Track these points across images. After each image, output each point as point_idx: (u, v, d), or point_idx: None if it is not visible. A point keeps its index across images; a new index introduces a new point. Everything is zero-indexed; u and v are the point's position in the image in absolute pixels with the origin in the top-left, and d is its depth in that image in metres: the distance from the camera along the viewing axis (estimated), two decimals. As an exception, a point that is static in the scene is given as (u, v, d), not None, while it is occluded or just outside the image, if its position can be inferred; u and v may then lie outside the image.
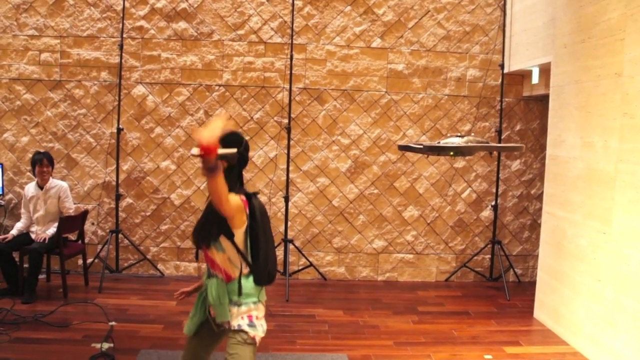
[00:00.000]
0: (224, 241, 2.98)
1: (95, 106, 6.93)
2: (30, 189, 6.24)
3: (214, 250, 3.01)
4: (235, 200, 2.90)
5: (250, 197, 3.06)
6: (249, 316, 3.02)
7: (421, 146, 4.37)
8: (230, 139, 2.98)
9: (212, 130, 2.60)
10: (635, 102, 4.38)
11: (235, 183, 3.03)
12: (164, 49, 6.93)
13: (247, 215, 3.01)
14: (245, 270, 3.04)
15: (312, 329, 5.45)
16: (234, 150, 2.93)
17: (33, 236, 6.11)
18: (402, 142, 7.01)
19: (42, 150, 6.33)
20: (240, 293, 3.00)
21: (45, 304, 5.75)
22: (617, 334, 4.52)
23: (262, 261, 3.05)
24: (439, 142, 4.35)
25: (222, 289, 3.02)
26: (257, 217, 3.04)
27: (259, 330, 3.04)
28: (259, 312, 3.08)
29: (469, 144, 4.18)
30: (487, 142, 4.42)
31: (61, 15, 6.85)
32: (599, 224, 4.82)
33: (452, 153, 4.22)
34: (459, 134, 4.38)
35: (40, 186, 6.19)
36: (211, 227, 2.97)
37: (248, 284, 3.04)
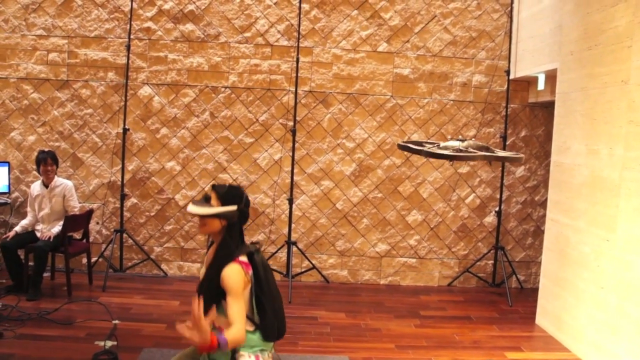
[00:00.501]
0: (224, 304, 2.94)
1: (101, 106, 6.96)
2: (36, 187, 6.29)
3: (215, 311, 2.95)
4: (236, 274, 2.91)
5: (252, 256, 3.06)
6: (256, 356, 3.01)
7: (420, 148, 4.35)
8: (230, 195, 3.02)
9: (203, 333, 2.64)
10: (641, 109, 4.40)
11: (237, 241, 3.04)
12: (170, 50, 6.96)
13: (251, 277, 3.01)
14: (250, 327, 3.02)
15: (314, 330, 5.46)
16: (234, 207, 2.99)
17: (38, 234, 6.15)
18: (406, 147, 7.04)
19: (46, 149, 6.37)
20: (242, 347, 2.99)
21: (50, 301, 5.78)
22: (620, 340, 4.52)
23: (270, 318, 3.05)
24: (438, 145, 4.34)
25: (226, 356, 3.00)
26: (261, 275, 3.05)
27: None
28: (264, 358, 3.07)
29: (469, 149, 4.17)
30: (488, 147, 4.40)
31: (69, 15, 6.89)
32: (603, 232, 4.82)
33: (451, 163, 4.23)
34: (460, 138, 4.37)
35: (46, 185, 6.23)
36: (215, 292, 2.94)
37: (254, 337, 3.03)
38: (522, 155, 4.40)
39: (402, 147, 4.61)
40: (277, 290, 3.16)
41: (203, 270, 3.15)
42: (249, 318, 3.01)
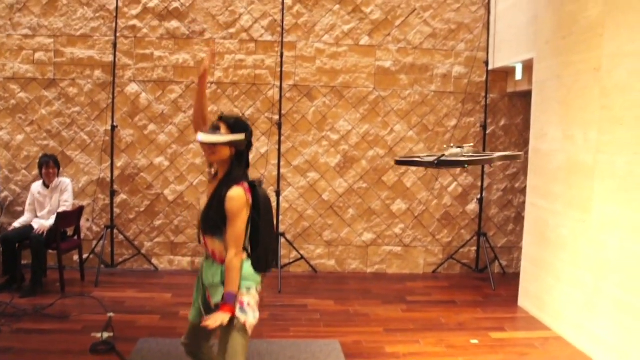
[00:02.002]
0: (224, 229, 3.06)
1: (89, 104, 7.06)
2: (38, 188, 6.45)
3: (213, 236, 3.11)
4: (240, 198, 3.01)
5: (254, 187, 3.16)
6: (240, 302, 3.05)
7: (431, 159, 4.24)
8: (238, 124, 3.12)
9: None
10: (613, 95, 4.59)
11: (244, 168, 3.17)
12: (156, 47, 7.07)
13: (250, 205, 3.10)
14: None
15: (305, 317, 5.62)
16: (243, 136, 3.10)
17: (35, 226, 6.23)
18: (389, 137, 7.21)
19: (49, 154, 6.55)
20: None
21: (43, 297, 5.87)
22: (597, 318, 4.72)
23: (262, 249, 3.15)
24: (443, 155, 4.32)
25: (217, 269, 3.11)
26: (261, 207, 3.14)
27: (250, 317, 3.06)
28: (252, 298, 3.11)
29: (471, 155, 4.26)
30: (487, 155, 4.48)
31: (55, 15, 6.97)
32: (579, 213, 5.02)
33: (466, 165, 4.26)
34: (459, 145, 4.45)
35: (47, 185, 6.40)
36: (215, 217, 3.05)
37: (244, 266, 3.09)
38: (521, 153, 4.53)
39: (401, 163, 4.64)
40: (273, 225, 3.26)
41: (204, 199, 3.24)
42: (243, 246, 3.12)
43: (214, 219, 3.06)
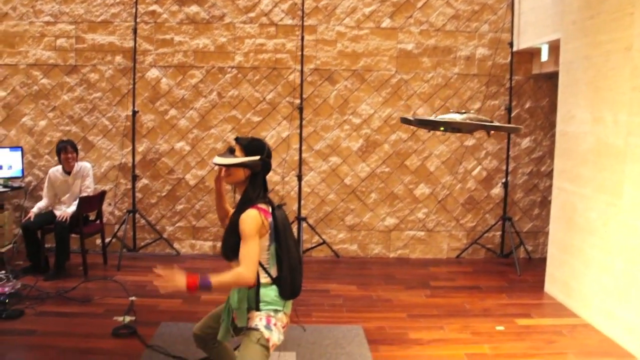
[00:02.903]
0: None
1: (110, 90, 7.05)
2: (56, 174, 6.42)
3: (236, 260, 3.03)
4: (252, 218, 2.98)
5: (274, 209, 3.14)
6: (268, 318, 3.04)
7: (412, 119, 4.43)
8: (253, 146, 3.12)
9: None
10: (644, 75, 4.45)
11: (259, 190, 3.12)
12: (176, 32, 7.03)
13: (270, 224, 3.07)
14: (265, 279, 3.07)
15: (327, 302, 5.58)
16: (257, 157, 3.09)
17: (58, 213, 6.24)
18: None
19: (65, 139, 6.51)
20: (258, 301, 3.04)
21: (67, 281, 5.91)
22: (628, 305, 4.61)
23: (285, 274, 3.08)
24: (435, 117, 4.36)
25: (243, 294, 3.07)
26: (280, 228, 3.09)
27: (275, 336, 3.03)
28: (279, 321, 3.09)
29: (466, 121, 4.19)
30: (488, 121, 4.41)
31: (76, 1, 6.96)
32: (609, 197, 4.90)
33: (442, 128, 4.24)
34: (462, 111, 4.40)
35: (67, 171, 6.38)
36: (233, 241, 3.02)
37: (269, 292, 3.07)
38: (520, 126, 4.44)
39: (404, 121, 4.65)
40: (297, 250, 3.19)
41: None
42: (265, 269, 3.06)
43: (232, 244, 3.03)
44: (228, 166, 3.09)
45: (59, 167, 6.44)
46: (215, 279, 2.88)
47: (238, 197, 3.18)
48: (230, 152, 3.13)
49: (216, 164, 3.12)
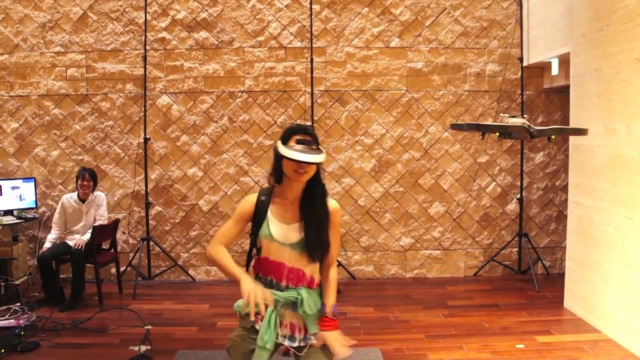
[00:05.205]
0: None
1: (121, 118, 7.09)
2: (70, 201, 6.46)
3: (317, 261, 2.84)
4: (340, 210, 2.89)
5: None
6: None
7: (463, 124, 4.22)
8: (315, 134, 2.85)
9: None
10: (657, 86, 4.41)
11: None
12: (186, 58, 7.07)
13: None
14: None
15: (344, 325, 5.45)
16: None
17: (71, 243, 6.25)
18: (424, 140, 7.10)
19: (87, 167, 6.60)
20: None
21: (82, 311, 5.89)
22: (649, 318, 4.53)
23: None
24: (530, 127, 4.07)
25: (316, 295, 2.86)
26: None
27: None
28: None
29: (532, 127, 4.00)
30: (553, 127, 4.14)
31: (85, 31, 7.03)
32: (626, 210, 4.83)
33: (497, 134, 4.05)
34: (513, 115, 4.21)
35: (82, 199, 6.41)
36: (323, 237, 2.81)
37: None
38: (586, 127, 4.23)
39: (455, 127, 4.45)
40: None
41: (285, 231, 2.81)
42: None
43: (323, 241, 2.80)
44: (317, 163, 2.71)
45: (74, 194, 6.47)
46: (334, 298, 2.81)
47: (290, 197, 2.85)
48: (309, 143, 2.70)
49: (313, 162, 2.65)
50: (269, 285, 2.80)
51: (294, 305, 2.79)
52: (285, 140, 2.74)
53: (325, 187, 2.86)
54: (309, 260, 2.78)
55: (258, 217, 2.83)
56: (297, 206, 2.82)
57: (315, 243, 2.77)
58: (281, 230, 2.79)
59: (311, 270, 2.83)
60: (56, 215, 6.49)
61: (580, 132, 4.16)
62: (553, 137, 3.92)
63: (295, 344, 2.82)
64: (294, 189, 2.80)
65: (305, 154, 2.63)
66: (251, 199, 2.87)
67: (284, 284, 2.80)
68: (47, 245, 6.33)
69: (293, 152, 2.63)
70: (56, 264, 6.14)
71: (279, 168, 2.79)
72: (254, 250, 2.87)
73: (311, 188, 2.80)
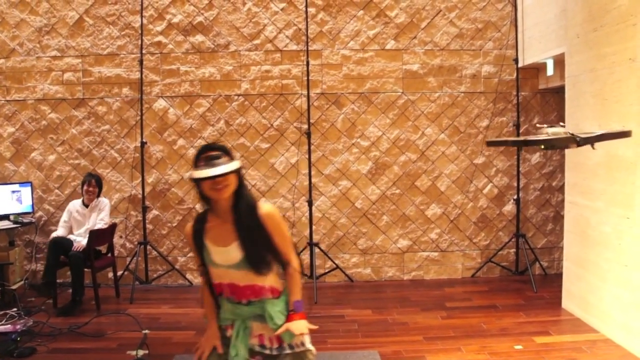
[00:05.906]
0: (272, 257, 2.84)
1: (118, 122, 7.08)
2: (76, 206, 6.52)
3: (266, 273, 2.80)
4: (272, 207, 2.82)
5: None
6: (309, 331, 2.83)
7: (503, 140, 4.09)
8: (226, 147, 2.81)
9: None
10: (651, 85, 4.42)
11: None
12: (182, 62, 7.07)
13: None
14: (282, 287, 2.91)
15: (342, 328, 5.51)
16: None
17: (75, 244, 6.26)
18: (420, 142, 7.10)
19: (93, 173, 6.67)
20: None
21: (79, 316, 5.87)
22: (646, 317, 4.53)
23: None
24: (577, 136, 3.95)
25: (280, 303, 2.85)
26: None
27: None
28: None
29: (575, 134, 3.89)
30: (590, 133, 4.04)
31: (81, 35, 7.03)
32: (622, 210, 4.84)
33: (542, 146, 3.97)
34: (551, 125, 4.14)
35: (86, 204, 6.48)
36: (263, 247, 2.78)
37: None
38: (630, 129, 4.16)
39: (492, 144, 4.39)
40: None
41: (220, 251, 2.79)
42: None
43: (265, 251, 2.78)
44: (227, 174, 2.66)
45: (79, 200, 6.53)
46: (297, 295, 2.81)
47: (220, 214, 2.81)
48: (214, 159, 2.66)
49: (216, 175, 2.62)
50: (234, 303, 2.84)
51: (261, 317, 2.82)
52: (195, 164, 2.73)
53: (251, 197, 2.81)
54: (257, 275, 2.76)
55: (198, 245, 2.85)
56: (231, 225, 2.77)
57: (256, 259, 2.74)
58: (220, 254, 2.78)
59: (268, 281, 2.82)
60: (62, 218, 6.55)
61: (624, 134, 4.12)
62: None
63: (267, 352, 2.85)
64: (222, 207, 2.77)
65: (210, 168, 2.62)
66: (187, 229, 2.90)
67: (244, 301, 2.82)
68: (56, 234, 6.37)
69: (199, 171, 2.64)
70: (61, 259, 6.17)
71: (201, 193, 2.77)
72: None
73: (238, 202, 2.77)
